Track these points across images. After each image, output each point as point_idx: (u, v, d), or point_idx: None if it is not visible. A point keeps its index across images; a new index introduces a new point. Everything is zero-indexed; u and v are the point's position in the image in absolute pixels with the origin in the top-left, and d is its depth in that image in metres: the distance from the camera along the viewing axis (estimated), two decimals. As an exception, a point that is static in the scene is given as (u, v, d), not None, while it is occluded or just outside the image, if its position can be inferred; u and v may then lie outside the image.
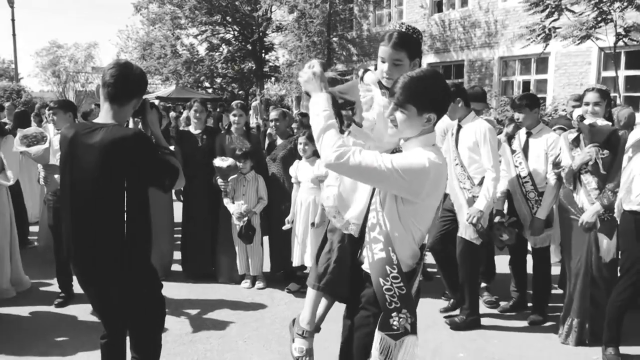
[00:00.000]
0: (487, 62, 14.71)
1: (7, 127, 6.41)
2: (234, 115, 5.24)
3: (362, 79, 2.41)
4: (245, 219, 4.86)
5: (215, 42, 26.13)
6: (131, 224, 2.44)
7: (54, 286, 4.96)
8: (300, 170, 4.88)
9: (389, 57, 2.28)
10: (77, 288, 4.70)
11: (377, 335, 2.06)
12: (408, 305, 2.06)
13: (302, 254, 4.84)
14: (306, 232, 4.80)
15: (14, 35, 32.25)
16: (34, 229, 6.67)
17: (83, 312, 4.47)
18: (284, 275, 5.25)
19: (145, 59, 24.94)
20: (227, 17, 25.48)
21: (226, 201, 5.01)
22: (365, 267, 2.16)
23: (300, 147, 4.81)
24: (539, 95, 5.61)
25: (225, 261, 5.26)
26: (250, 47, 26.51)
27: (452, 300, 4.58)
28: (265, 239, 5.32)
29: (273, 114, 5.29)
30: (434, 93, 2.01)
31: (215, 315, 4.47)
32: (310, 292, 2.59)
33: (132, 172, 2.41)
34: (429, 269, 5.41)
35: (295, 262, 4.91)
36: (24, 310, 4.48)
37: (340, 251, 2.46)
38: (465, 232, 4.17)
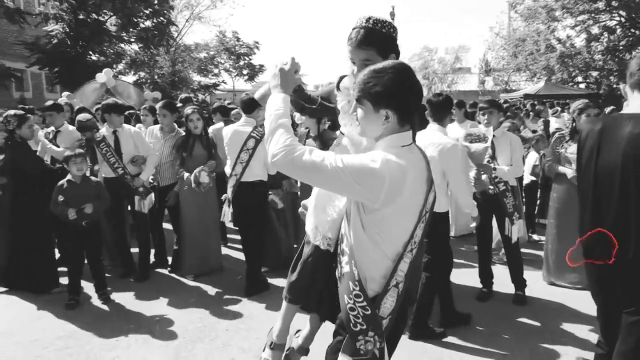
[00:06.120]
0: None
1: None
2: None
3: (337, 86, 2.19)
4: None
5: (596, 31, 22.76)
6: None
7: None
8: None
9: (356, 57, 2.05)
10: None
11: (342, 359, 1.83)
12: (375, 328, 1.78)
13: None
14: None
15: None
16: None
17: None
18: None
19: (516, 55, 24.83)
20: (613, 2, 21.09)
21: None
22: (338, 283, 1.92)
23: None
24: None
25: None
26: (639, 34, 20.01)
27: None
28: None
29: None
30: (389, 86, 1.75)
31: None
32: (283, 304, 2.43)
33: None
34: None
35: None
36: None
37: (312, 263, 2.26)
38: None
